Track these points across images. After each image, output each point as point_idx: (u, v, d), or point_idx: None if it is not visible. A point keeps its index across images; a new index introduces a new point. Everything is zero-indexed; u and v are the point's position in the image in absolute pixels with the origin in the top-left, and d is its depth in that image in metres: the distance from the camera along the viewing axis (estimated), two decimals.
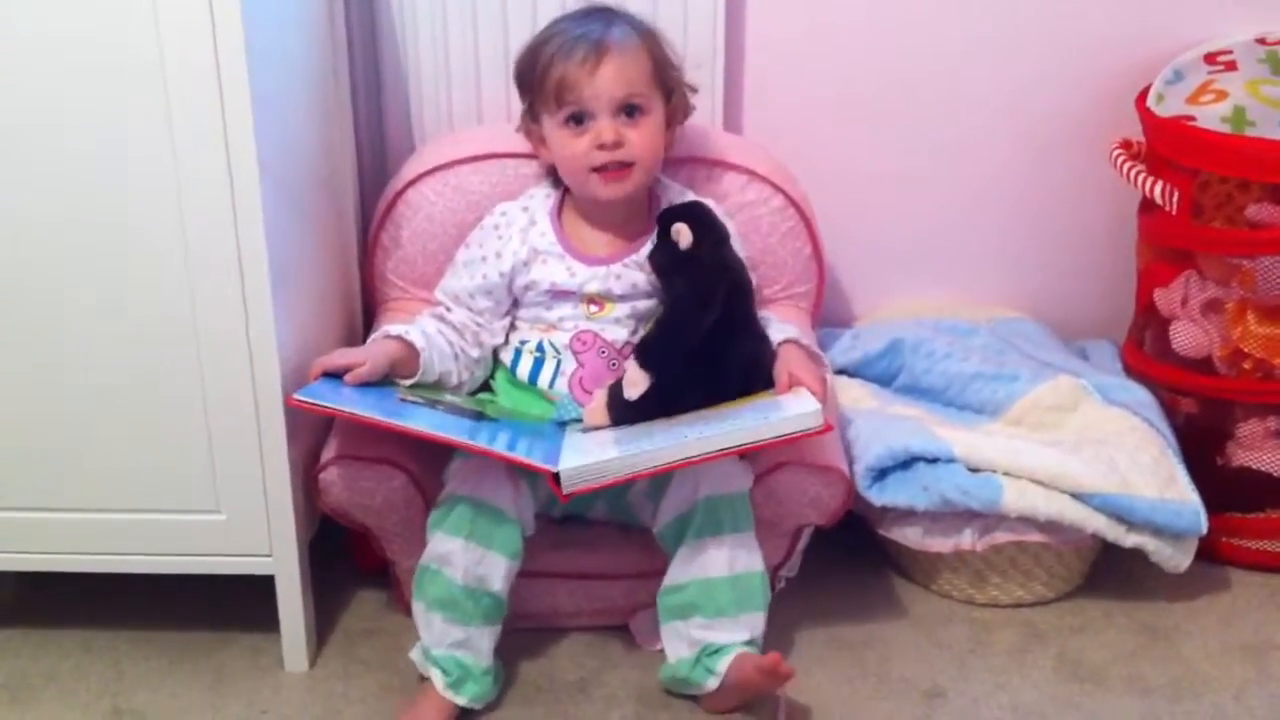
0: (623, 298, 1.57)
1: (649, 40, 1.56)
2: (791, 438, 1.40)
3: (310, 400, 1.39)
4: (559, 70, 1.51)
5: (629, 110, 1.52)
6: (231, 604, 1.59)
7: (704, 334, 1.45)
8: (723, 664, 1.44)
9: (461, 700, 1.45)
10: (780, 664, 1.40)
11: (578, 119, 1.52)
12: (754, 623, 1.47)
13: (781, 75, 1.83)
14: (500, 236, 1.60)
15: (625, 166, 1.53)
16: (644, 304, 1.57)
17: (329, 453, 1.49)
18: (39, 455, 1.46)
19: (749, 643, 1.46)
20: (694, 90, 1.61)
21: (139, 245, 1.37)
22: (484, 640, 1.46)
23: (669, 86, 1.57)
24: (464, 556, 1.43)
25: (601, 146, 1.51)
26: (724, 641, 1.45)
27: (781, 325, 1.57)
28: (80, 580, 1.55)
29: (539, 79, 1.53)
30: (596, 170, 1.53)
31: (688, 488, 1.46)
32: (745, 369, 1.48)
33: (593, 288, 1.57)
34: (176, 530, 1.48)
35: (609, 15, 1.57)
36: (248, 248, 1.37)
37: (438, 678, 1.45)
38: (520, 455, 1.39)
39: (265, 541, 1.48)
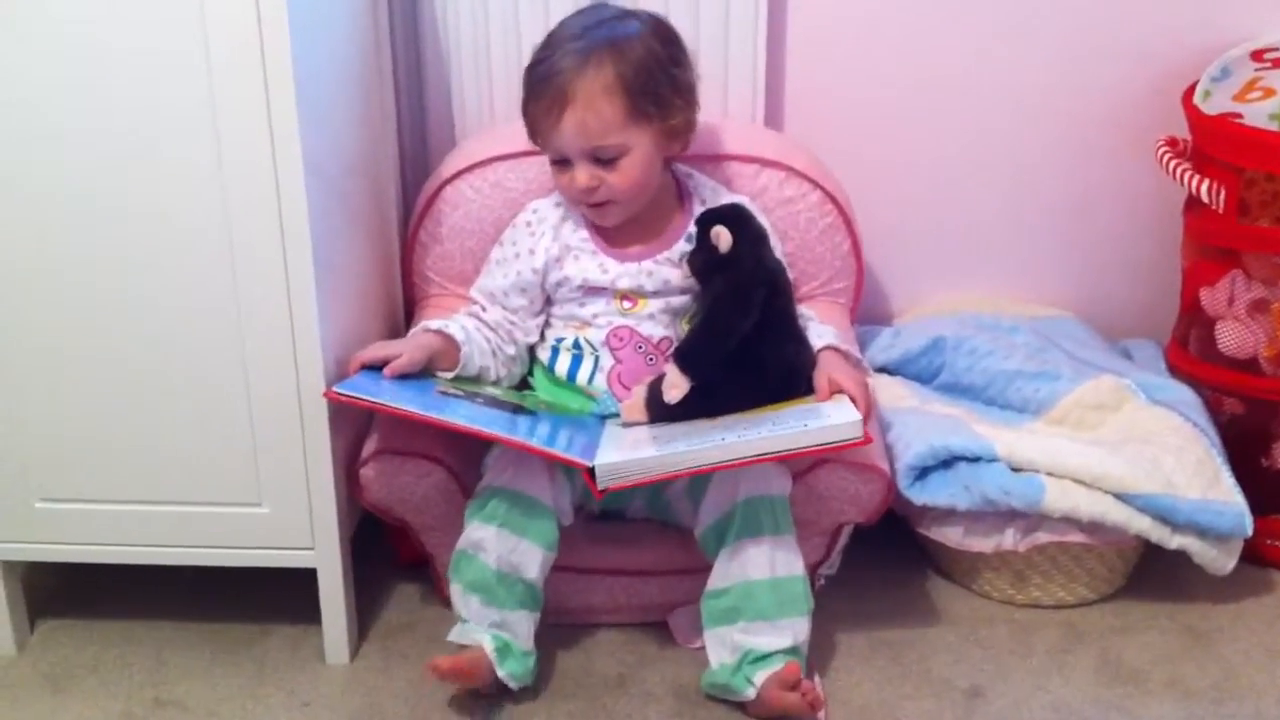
0: (655, 294, 1.57)
1: (627, 71, 1.46)
2: (830, 448, 1.40)
3: (348, 393, 1.39)
4: (530, 111, 1.51)
5: (599, 158, 1.50)
6: (273, 596, 1.60)
7: (743, 337, 1.45)
8: (761, 675, 1.43)
9: (503, 671, 1.45)
10: (798, 674, 1.39)
11: (558, 160, 1.52)
12: (796, 628, 1.45)
13: (823, 71, 1.82)
14: (533, 233, 1.60)
15: (605, 202, 1.52)
16: (678, 300, 1.57)
17: (368, 448, 1.50)
18: (82, 448, 1.47)
19: (791, 650, 1.45)
20: (699, 78, 1.54)
21: (184, 240, 1.38)
22: (521, 625, 1.47)
23: (660, 107, 1.49)
24: (497, 544, 1.44)
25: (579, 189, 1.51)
26: (765, 648, 1.44)
27: (821, 328, 1.56)
28: (123, 572, 1.56)
29: (521, 107, 1.53)
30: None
31: (727, 489, 1.46)
32: (785, 371, 1.48)
33: (625, 284, 1.56)
34: (219, 523, 1.49)
35: (593, 39, 1.47)
36: (292, 242, 1.37)
37: (486, 642, 1.45)
38: (559, 449, 1.39)
39: (308, 534, 1.49)
